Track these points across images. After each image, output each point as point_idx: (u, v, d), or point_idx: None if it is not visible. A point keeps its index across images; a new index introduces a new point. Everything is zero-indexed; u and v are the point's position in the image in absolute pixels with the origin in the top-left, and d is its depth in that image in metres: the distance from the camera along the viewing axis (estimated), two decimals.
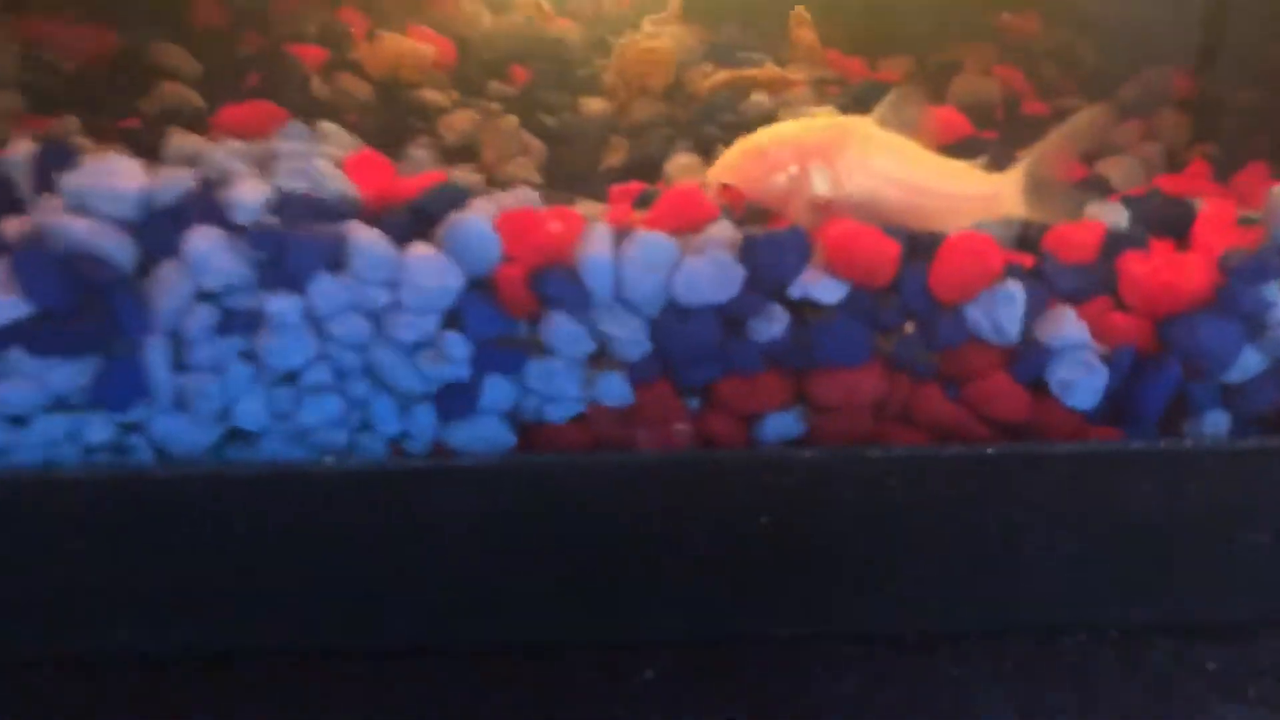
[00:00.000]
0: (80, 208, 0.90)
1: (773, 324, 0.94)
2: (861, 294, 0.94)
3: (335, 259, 0.91)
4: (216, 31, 1.49)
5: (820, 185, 0.97)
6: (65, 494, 0.90)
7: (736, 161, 1.01)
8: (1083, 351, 0.95)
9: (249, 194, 0.91)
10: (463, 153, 1.23)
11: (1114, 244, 0.99)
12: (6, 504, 0.90)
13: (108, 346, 0.90)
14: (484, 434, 0.95)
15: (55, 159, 0.93)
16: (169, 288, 0.90)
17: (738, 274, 0.93)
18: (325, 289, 0.90)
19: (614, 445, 0.96)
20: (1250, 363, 0.97)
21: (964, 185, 1.00)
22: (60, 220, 0.89)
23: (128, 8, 1.43)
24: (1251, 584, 0.98)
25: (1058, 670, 0.95)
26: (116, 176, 0.90)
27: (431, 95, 1.32)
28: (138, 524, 0.91)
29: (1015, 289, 0.94)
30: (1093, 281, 0.98)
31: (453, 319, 0.93)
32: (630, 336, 0.93)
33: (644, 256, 0.92)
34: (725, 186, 1.02)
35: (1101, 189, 1.15)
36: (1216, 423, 0.98)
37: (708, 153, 1.17)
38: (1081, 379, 0.95)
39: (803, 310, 0.95)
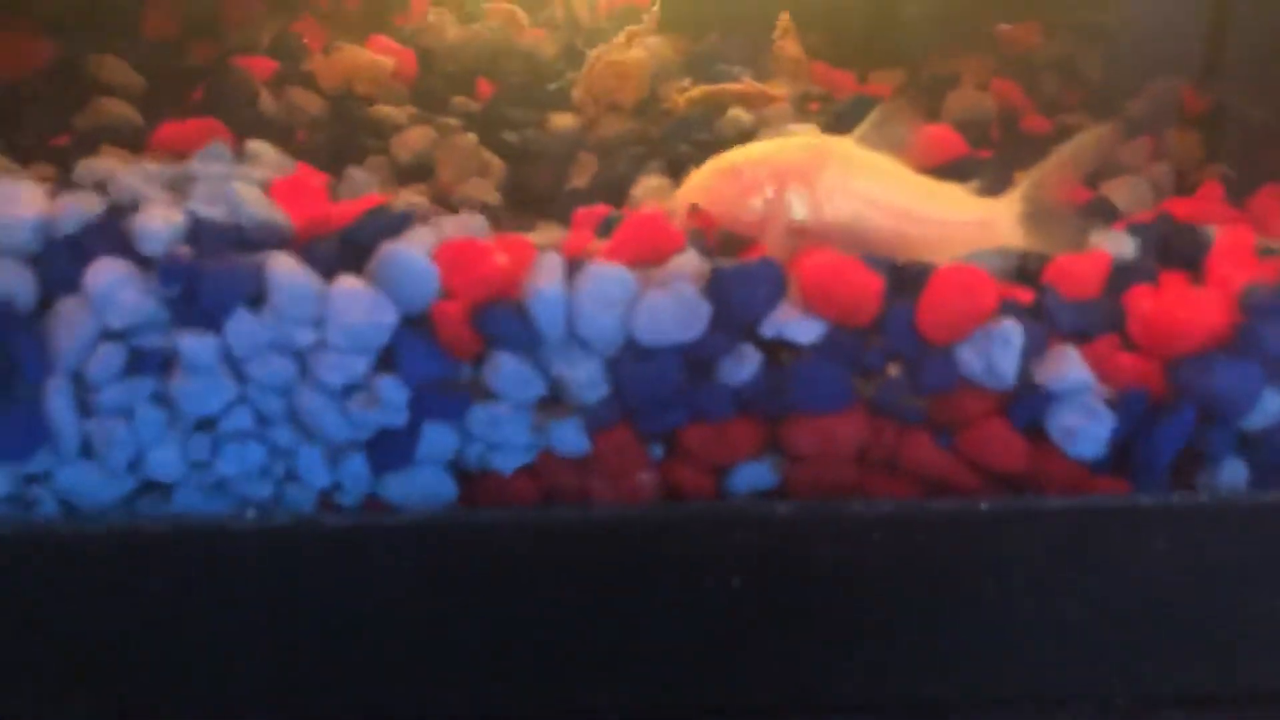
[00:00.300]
0: None
1: (743, 365, 0.90)
2: (841, 333, 0.91)
3: (254, 293, 0.86)
4: (166, 43, 1.44)
5: (798, 210, 0.96)
6: None
7: (708, 182, 0.99)
8: (1086, 395, 0.92)
9: (158, 222, 0.86)
10: (417, 172, 1.18)
11: (1121, 277, 0.96)
12: None
13: (5, 391, 0.86)
14: (422, 486, 0.90)
15: None
16: (71, 326, 0.85)
17: (704, 310, 0.89)
18: (243, 327, 0.86)
19: (567, 498, 0.93)
20: (1271, 408, 0.93)
21: (955, 211, 0.98)
22: None
23: (73, 18, 1.38)
24: (1271, 651, 0.95)
25: None
26: (13, 203, 0.85)
27: (386, 110, 1.27)
28: (38, 584, 0.87)
29: (1012, 327, 0.90)
30: (1098, 318, 0.94)
31: (387, 360, 0.88)
32: (585, 379, 0.89)
33: (599, 291, 0.87)
34: (694, 208, 0.98)
35: (1106, 214, 1.12)
36: (1234, 474, 0.95)
37: (679, 173, 1.14)
38: (1085, 425, 0.91)
39: (776, 351, 0.91)
